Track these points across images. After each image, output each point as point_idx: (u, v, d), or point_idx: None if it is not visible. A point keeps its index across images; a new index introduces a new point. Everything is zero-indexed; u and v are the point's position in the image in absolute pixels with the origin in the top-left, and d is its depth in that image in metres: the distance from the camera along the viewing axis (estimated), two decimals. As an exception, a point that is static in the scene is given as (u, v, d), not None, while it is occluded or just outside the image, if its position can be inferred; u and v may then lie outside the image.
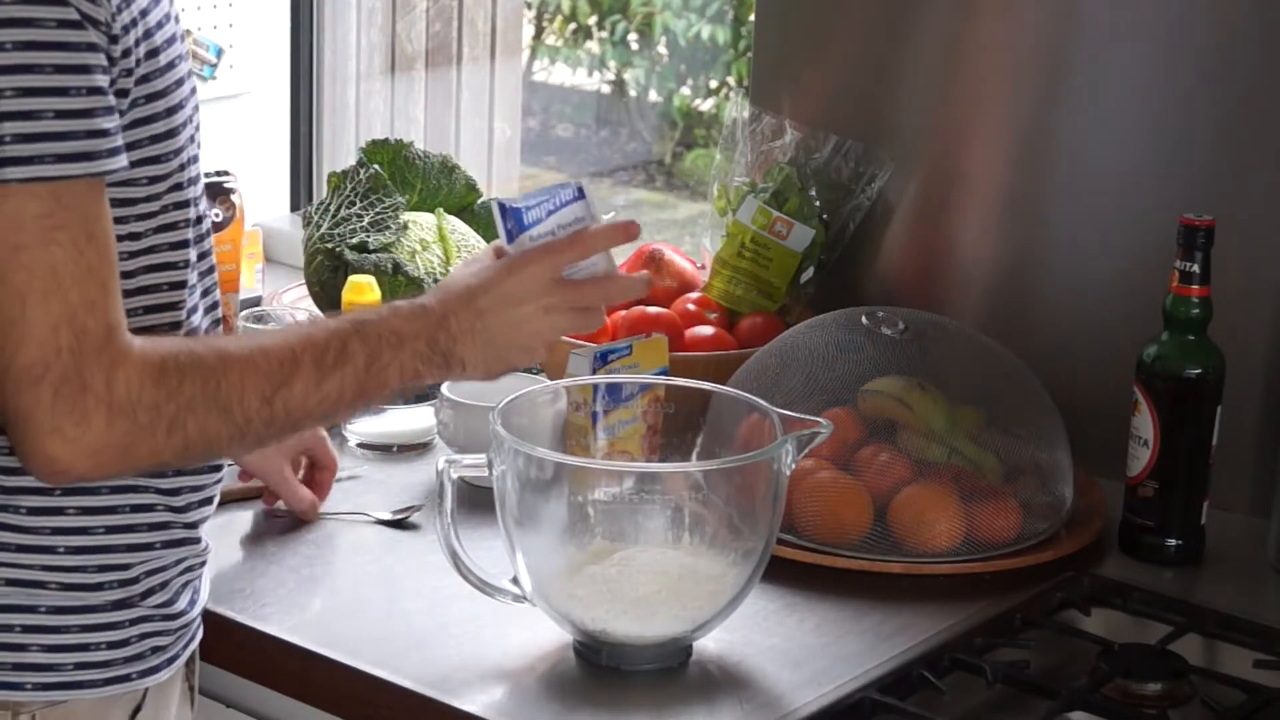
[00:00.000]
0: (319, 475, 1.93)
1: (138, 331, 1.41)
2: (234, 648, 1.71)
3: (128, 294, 1.42)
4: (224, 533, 1.89)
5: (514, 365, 1.58)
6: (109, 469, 1.39)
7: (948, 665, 1.67)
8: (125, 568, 1.49)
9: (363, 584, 1.81)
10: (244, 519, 1.93)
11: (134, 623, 1.49)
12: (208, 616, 1.66)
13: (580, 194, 1.60)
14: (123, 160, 1.37)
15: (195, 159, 1.50)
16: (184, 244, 1.49)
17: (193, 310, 1.51)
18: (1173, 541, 1.90)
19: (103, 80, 1.36)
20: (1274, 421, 1.98)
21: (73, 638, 1.47)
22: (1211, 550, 1.91)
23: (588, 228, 1.59)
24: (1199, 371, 1.87)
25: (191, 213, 1.49)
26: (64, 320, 1.33)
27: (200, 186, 1.52)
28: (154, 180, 1.44)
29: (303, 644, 1.67)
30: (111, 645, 1.48)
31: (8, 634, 1.46)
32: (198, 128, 1.53)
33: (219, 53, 2.76)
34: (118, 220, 1.41)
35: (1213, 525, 1.92)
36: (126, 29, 1.38)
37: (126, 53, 1.39)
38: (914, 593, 1.80)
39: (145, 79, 1.41)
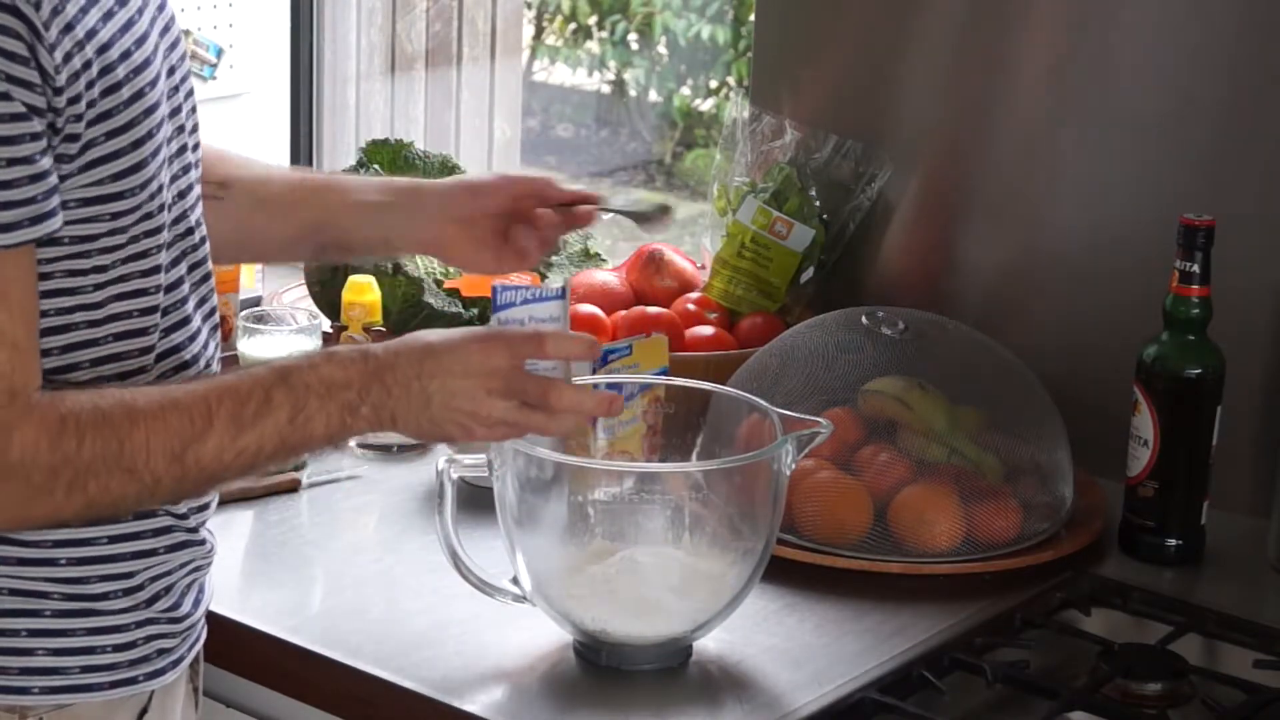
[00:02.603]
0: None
1: (105, 360, 1.41)
2: (234, 648, 1.71)
3: (96, 323, 1.42)
4: (224, 533, 1.88)
5: (447, 436, 1.50)
6: (12, 528, 1.40)
7: (948, 665, 1.67)
8: (130, 575, 1.48)
9: (363, 584, 1.81)
10: (244, 519, 1.93)
11: (140, 625, 1.49)
12: (209, 617, 1.66)
13: (561, 295, 1.59)
14: (49, 226, 1.35)
15: (172, 180, 1.47)
16: (155, 270, 1.46)
17: (172, 329, 1.49)
18: (1173, 541, 1.90)
19: (31, 148, 1.33)
20: (1274, 421, 1.98)
21: (79, 641, 1.47)
22: (1211, 550, 1.91)
23: (546, 328, 1.55)
24: (1199, 371, 1.87)
25: (162, 238, 1.46)
26: None
27: (192, 199, 1.50)
28: (117, 215, 1.42)
29: (303, 644, 1.67)
30: (118, 648, 1.48)
31: (13, 638, 1.45)
32: (194, 131, 1.52)
33: (219, 53, 2.76)
34: (79, 256, 1.40)
35: (1213, 525, 1.92)
36: (76, 75, 1.35)
37: (75, 99, 1.36)
38: (914, 593, 1.80)
39: (104, 116, 1.39)
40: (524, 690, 1.61)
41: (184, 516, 1.52)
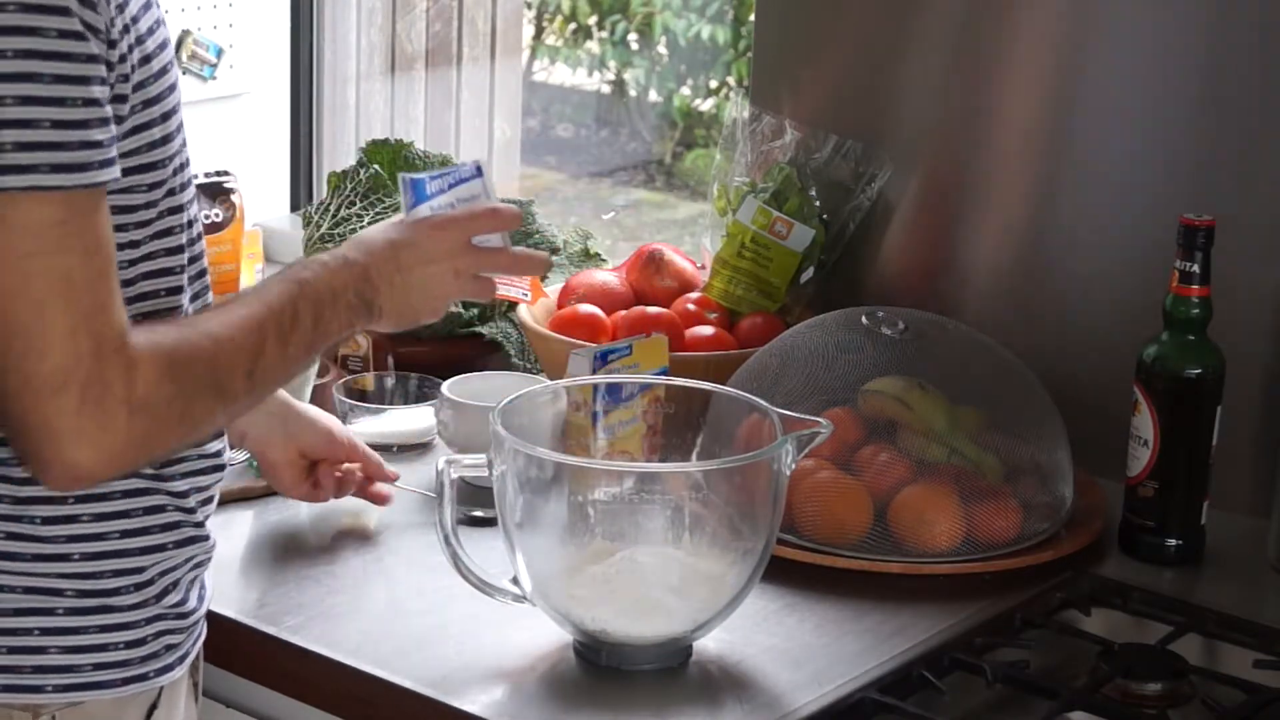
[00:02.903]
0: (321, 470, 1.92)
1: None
2: (234, 647, 1.71)
3: (127, 301, 1.43)
4: (224, 533, 1.88)
5: (420, 320, 1.63)
6: (128, 467, 1.41)
7: (948, 665, 1.67)
8: (140, 570, 1.49)
9: (363, 584, 1.81)
10: (244, 519, 1.93)
11: (149, 622, 1.50)
12: (209, 617, 1.66)
13: (479, 172, 1.66)
14: (115, 172, 1.38)
15: (187, 163, 1.51)
16: (179, 249, 1.49)
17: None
18: (1173, 541, 1.90)
19: (100, 92, 1.36)
20: (1274, 421, 1.98)
21: (91, 639, 1.48)
22: (1211, 550, 1.91)
23: (487, 205, 1.65)
24: (1199, 371, 1.87)
25: (185, 217, 1.50)
26: (81, 326, 1.33)
27: (192, 191, 1.53)
28: (152, 187, 1.45)
29: (303, 644, 1.67)
30: (129, 645, 1.49)
31: (26, 637, 1.46)
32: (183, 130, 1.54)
33: (219, 53, 2.76)
34: (117, 228, 1.41)
35: (1213, 525, 1.92)
36: (122, 34, 1.39)
37: (123, 58, 1.39)
38: (914, 593, 1.80)
39: (140, 85, 1.42)
40: (524, 690, 1.61)
41: (191, 510, 1.53)
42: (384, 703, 1.61)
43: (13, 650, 1.46)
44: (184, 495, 1.52)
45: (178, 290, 1.50)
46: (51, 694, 1.47)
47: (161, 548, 1.51)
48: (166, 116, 1.45)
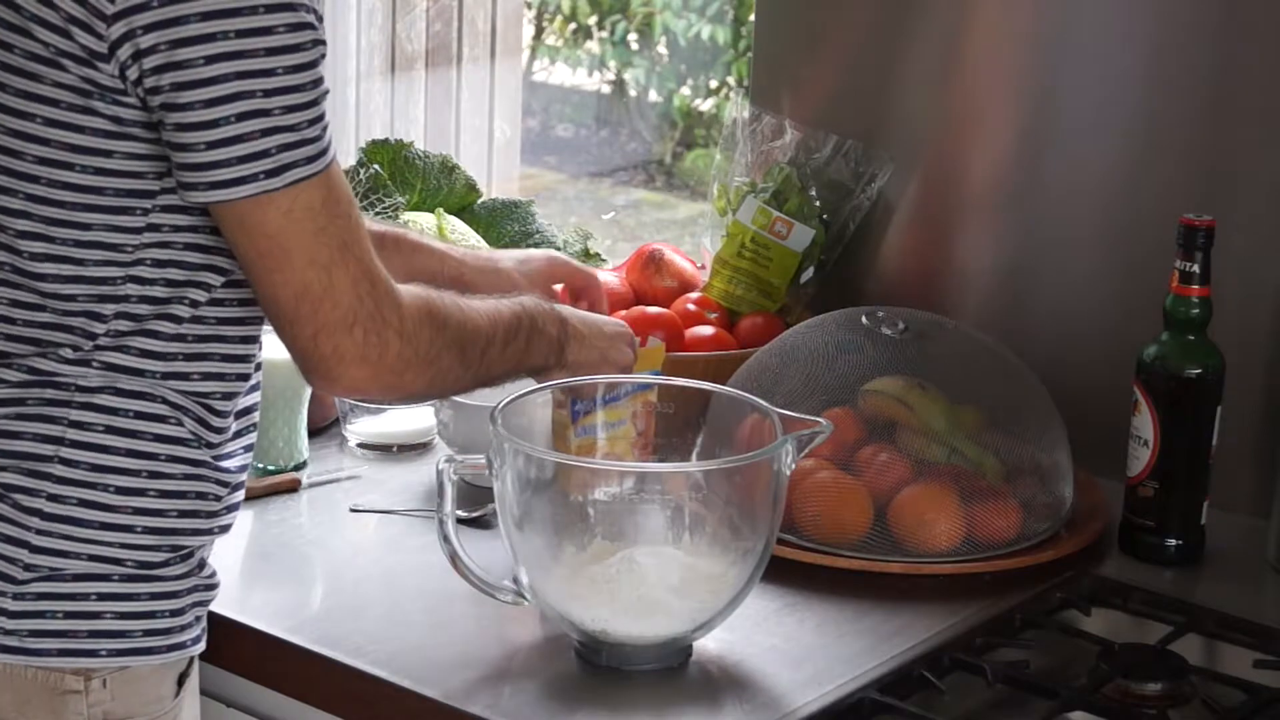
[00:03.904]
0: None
1: (238, 309, 1.58)
2: (235, 648, 1.71)
3: (241, 283, 1.56)
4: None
5: (587, 372, 1.78)
6: (390, 389, 1.57)
7: (948, 665, 1.67)
8: (186, 548, 1.58)
9: (363, 584, 1.81)
10: (244, 519, 1.93)
11: (190, 592, 1.59)
12: (209, 617, 1.66)
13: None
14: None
15: None
16: None
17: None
18: (1173, 541, 1.90)
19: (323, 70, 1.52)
20: (1274, 421, 1.98)
21: (143, 605, 1.56)
22: (1211, 550, 1.91)
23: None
24: (1199, 371, 1.87)
25: None
26: (360, 275, 1.51)
27: None
28: None
29: (303, 644, 1.67)
30: (173, 614, 1.58)
31: (84, 602, 1.54)
32: None
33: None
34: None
35: (1213, 525, 1.92)
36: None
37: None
38: (914, 593, 1.80)
39: None
40: (524, 690, 1.61)
41: (226, 496, 1.61)
42: (384, 703, 1.61)
43: (70, 615, 1.53)
44: (226, 484, 1.61)
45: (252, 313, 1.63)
46: (105, 658, 1.54)
47: (208, 530, 1.60)
48: None
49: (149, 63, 1.42)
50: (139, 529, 1.55)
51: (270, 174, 1.45)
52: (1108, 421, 1.98)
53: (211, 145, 1.44)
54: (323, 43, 1.49)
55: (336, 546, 1.89)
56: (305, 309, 1.51)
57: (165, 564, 1.56)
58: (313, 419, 2.08)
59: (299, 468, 2.03)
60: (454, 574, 1.66)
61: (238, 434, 1.62)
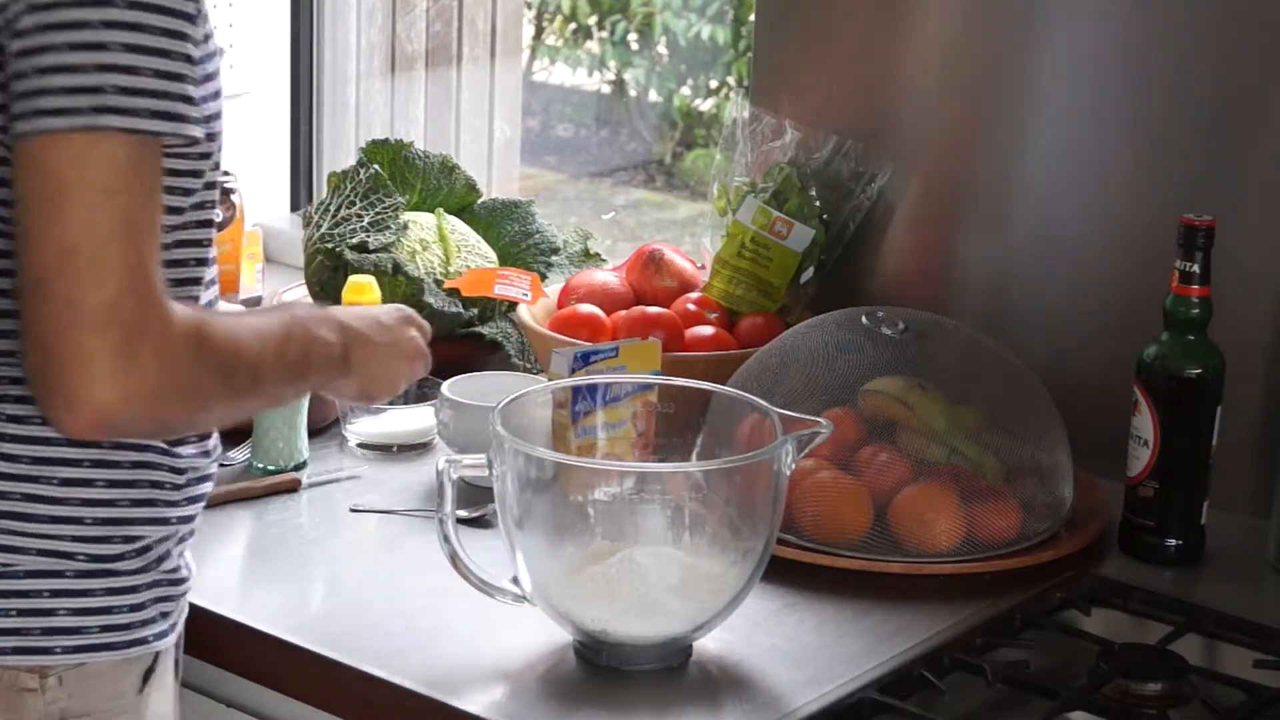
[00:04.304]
0: None
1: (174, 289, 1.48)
2: (234, 647, 1.71)
3: (165, 264, 1.46)
4: (224, 532, 1.89)
5: (379, 393, 1.69)
6: (140, 421, 1.42)
7: (948, 665, 1.67)
8: (142, 539, 1.54)
9: (363, 584, 1.81)
10: (244, 519, 1.93)
11: (149, 587, 1.55)
12: (209, 617, 1.66)
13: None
14: (200, 131, 1.44)
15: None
16: (209, 224, 1.56)
17: (207, 288, 1.58)
18: (1173, 541, 1.90)
19: (194, 51, 1.44)
20: (1274, 421, 1.98)
21: (98, 601, 1.52)
22: (1211, 550, 1.91)
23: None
24: (1199, 371, 1.87)
25: (215, 195, 1.57)
26: (138, 267, 1.38)
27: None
28: (202, 156, 1.51)
29: (303, 644, 1.67)
30: (131, 608, 1.54)
31: (37, 599, 1.50)
32: None
33: (219, 53, 2.76)
34: (168, 190, 1.47)
35: (1213, 525, 1.92)
36: (207, 37, 1.48)
37: (208, 37, 1.48)
38: (914, 593, 1.80)
39: (201, 61, 1.48)
40: (524, 690, 1.61)
41: (185, 486, 1.56)
42: (384, 703, 1.61)
43: (23, 613, 1.50)
44: (182, 472, 1.55)
45: (204, 262, 1.55)
46: (60, 655, 1.51)
47: (165, 520, 1.55)
48: (217, 95, 1.53)
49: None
50: (89, 520, 1.50)
51: (95, 111, 1.36)
52: (1108, 421, 1.98)
53: (41, 72, 1.36)
54: (192, 19, 1.42)
55: (336, 546, 1.89)
56: (64, 278, 1.35)
57: (120, 557, 1.52)
58: (313, 419, 2.08)
59: (299, 468, 2.03)
60: (454, 574, 1.66)
61: None
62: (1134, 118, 2.07)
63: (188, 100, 1.42)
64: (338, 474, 2.03)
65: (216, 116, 1.52)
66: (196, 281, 1.54)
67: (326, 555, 1.87)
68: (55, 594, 1.50)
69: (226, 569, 1.83)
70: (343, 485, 2.01)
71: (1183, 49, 2.03)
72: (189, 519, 1.58)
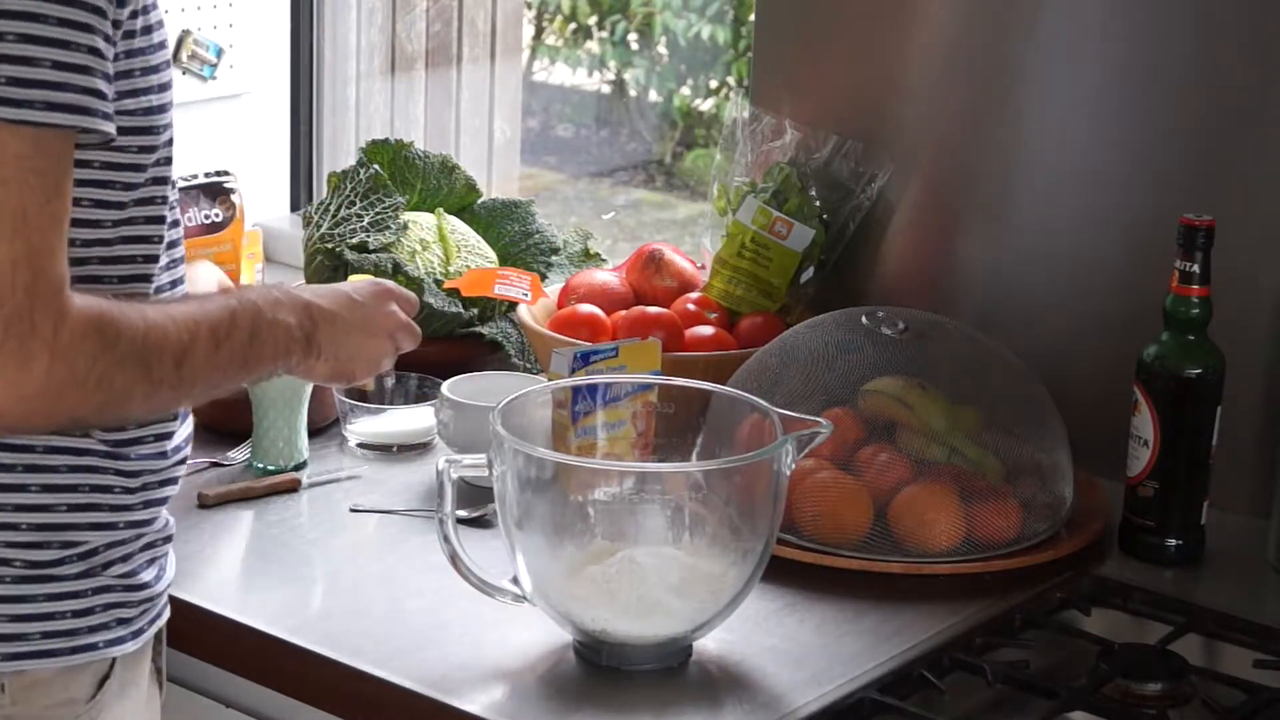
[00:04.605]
0: None
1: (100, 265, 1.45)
2: (234, 648, 1.71)
3: (105, 260, 1.45)
4: (224, 532, 1.89)
5: (354, 373, 1.65)
6: (34, 420, 1.40)
7: (948, 665, 1.67)
8: (85, 543, 1.50)
9: (363, 584, 1.81)
10: (244, 519, 1.93)
11: (97, 592, 1.51)
12: (209, 617, 1.66)
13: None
14: (110, 127, 1.40)
15: (173, 140, 1.52)
16: (160, 219, 1.51)
17: (159, 291, 1.54)
18: (1173, 541, 1.90)
19: (104, 45, 1.39)
20: (1274, 421, 1.98)
21: (38, 607, 1.48)
22: (1211, 550, 1.91)
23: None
24: (1199, 371, 1.87)
25: (168, 190, 1.52)
26: (25, 260, 1.34)
27: (174, 170, 1.54)
28: (142, 150, 1.47)
29: (303, 644, 1.67)
30: (76, 614, 1.50)
31: None
32: None
33: (219, 53, 2.76)
34: (103, 185, 1.44)
35: (1213, 525, 1.92)
36: (147, 29, 1.43)
37: (133, 16, 1.42)
38: (914, 593, 1.80)
39: (142, 51, 1.44)
40: (524, 690, 1.61)
41: (137, 490, 1.52)
42: (384, 703, 1.61)
43: None
44: (133, 475, 1.52)
45: (153, 259, 1.51)
46: (0, 662, 1.47)
47: (112, 525, 1.51)
48: (164, 88, 1.48)
49: None
50: (24, 526, 1.47)
51: None
52: (1108, 421, 1.98)
53: None
54: (100, 11, 1.38)
55: (336, 546, 1.89)
56: None
57: (59, 563, 1.48)
58: (313, 419, 2.08)
59: (299, 468, 2.03)
60: (454, 574, 1.66)
61: (148, 422, 1.53)
62: (1134, 118, 2.07)
63: (94, 93, 1.38)
64: (338, 474, 2.03)
65: (161, 109, 1.48)
66: (145, 279, 1.50)
67: (326, 555, 1.87)
68: None
69: (226, 569, 1.83)
70: (343, 485, 2.01)
71: (1183, 50, 2.03)
72: (144, 523, 1.54)
